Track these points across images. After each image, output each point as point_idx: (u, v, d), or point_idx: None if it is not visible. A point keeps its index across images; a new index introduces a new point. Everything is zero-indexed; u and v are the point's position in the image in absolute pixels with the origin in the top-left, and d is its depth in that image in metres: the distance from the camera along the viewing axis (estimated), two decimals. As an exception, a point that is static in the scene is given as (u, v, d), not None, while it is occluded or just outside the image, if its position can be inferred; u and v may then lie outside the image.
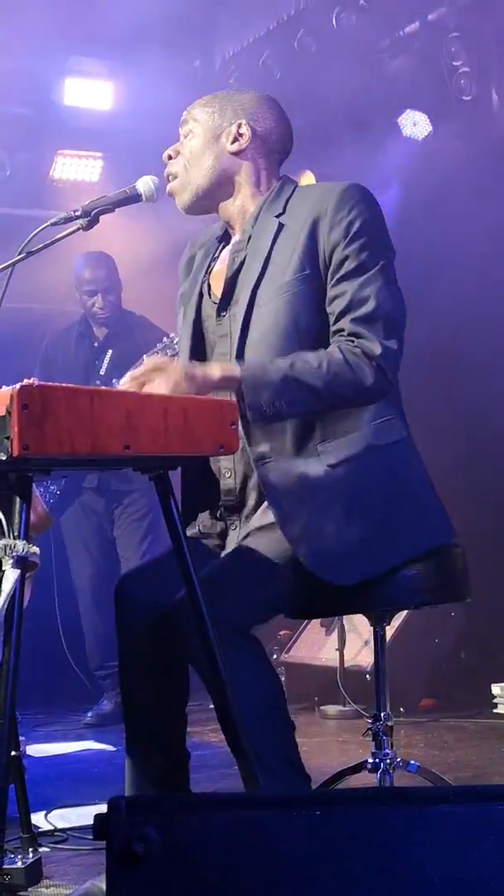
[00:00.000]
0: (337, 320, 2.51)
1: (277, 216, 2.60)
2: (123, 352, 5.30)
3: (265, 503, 2.52)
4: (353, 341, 2.47)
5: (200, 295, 2.70)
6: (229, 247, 2.68)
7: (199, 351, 2.68)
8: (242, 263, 2.61)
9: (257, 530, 2.51)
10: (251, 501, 2.58)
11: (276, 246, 2.57)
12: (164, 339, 4.94)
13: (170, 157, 2.70)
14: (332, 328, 2.52)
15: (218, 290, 2.66)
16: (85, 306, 5.44)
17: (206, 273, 2.72)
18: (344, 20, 5.60)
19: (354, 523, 2.45)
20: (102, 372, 5.32)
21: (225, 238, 2.75)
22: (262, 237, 2.59)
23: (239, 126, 2.65)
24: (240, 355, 2.53)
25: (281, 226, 2.58)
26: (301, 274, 2.52)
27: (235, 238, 2.67)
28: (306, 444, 2.49)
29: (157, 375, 2.33)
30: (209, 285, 2.70)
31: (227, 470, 2.61)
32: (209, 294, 2.69)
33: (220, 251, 2.74)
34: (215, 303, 2.66)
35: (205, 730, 4.63)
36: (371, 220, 2.53)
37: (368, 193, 2.57)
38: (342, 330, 2.49)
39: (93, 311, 5.41)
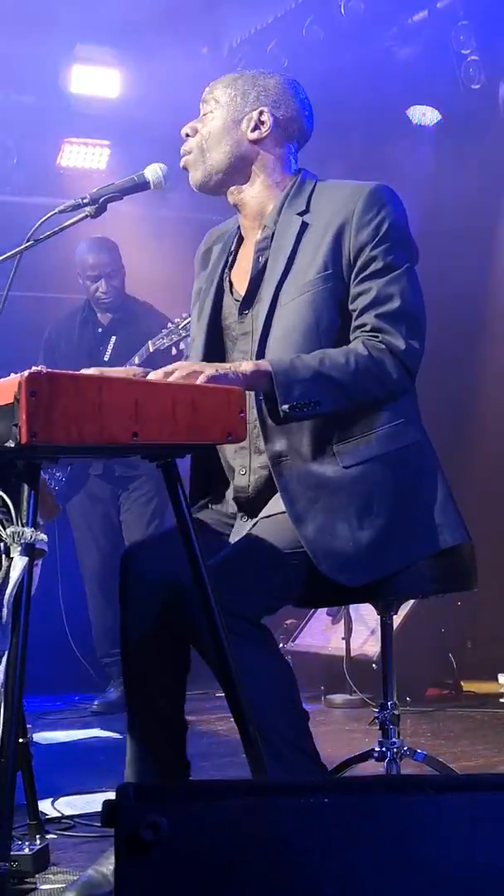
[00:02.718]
0: (360, 315, 2.50)
1: (301, 213, 2.58)
2: (127, 338, 5.29)
3: (275, 495, 2.51)
4: (377, 336, 2.46)
5: (220, 291, 2.68)
6: (252, 244, 2.65)
7: (217, 348, 2.65)
8: (267, 261, 2.60)
9: (265, 518, 2.51)
10: (263, 499, 2.57)
11: (300, 245, 2.55)
12: (170, 324, 4.93)
13: (187, 135, 2.68)
14: (355, 323, 2.51)
15: (240, 287, 2.65)
16: (88, 291, 5.42)
17: (224, 268, 2.71)
18: (352, 8, 5.58)
19: (366, 525, 2.45)
20: (106, 358, 5.31)
21: (239, 231, 2.73)
22: (286, 235, 2.58)
23: (261, 113, 2.62)
24: (261, 353, 2.52)
25: (305, 224, 2.56)
26: (324, 273, 2.51)
27: (258, 235, 2.64)
28: (323, 444, 2.48)
29: (186, 370, 2.29)
30: (230, 282, 2.69)
31: (242, 468, 2.60)
32: (231, 291, 2.68)
33: (237, 246, 2.72)
34: (237, 300, 2.64)
35: (211, 718, 4.65)
36: (398, 223, 2.53)
37: (395, 195, 2.56)
38: (365, 325, 2.48)
39: (96, 296, 5.39)
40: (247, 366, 2.37)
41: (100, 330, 5.44)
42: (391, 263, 2.49)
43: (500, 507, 5.47)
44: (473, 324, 5.75)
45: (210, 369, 2.29)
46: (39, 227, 2.57)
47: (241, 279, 2.66)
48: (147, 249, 5.85)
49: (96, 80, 6.24)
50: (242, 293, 2.63)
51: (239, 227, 2.73)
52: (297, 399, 2.36)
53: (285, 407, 2.36)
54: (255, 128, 2.63)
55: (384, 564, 2.48)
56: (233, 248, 2.72)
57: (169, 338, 4.88)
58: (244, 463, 2.60)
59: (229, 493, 2.66)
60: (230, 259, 2.71)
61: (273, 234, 2.60)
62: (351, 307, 2.51)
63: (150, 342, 4.97)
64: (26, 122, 6.20)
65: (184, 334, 4.71)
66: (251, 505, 2.59)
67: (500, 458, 5.62)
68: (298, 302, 2.51)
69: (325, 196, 2.59)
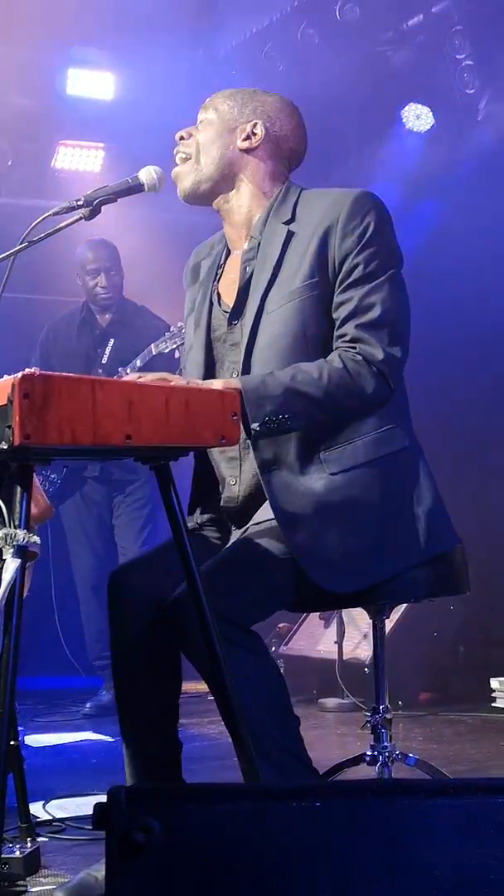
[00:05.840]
0: (341, 325, 2.50)
1: (286, 223, 2.59)
2: (125, 341, 5.30)
3: (264, 504, 2.51)
4: (354, 347, 2.47)
5: (210, 304, 2.69)
6: (239, 254, 2.66)
7: (210, 361, 2.66)
8: (254, 271, 2.60)
9: (257, 525, 2.51)
10: (251, 508, 2.57)
11: (286, 253, 2.56)
12: (172, 328, 4.93)
13: (181, 138, 2.68)
14: (336, 332, 2.51)
15: (228, 298, 2.65)
16: (87, 287, 5.40)
17: (214, 280, 2.71)
18: (347, 12, 5.59)
19: (355, 533, 2.45)
20: (104, 361, 5.31)
21: (226, 243, 2.73)
22: (272, 244, 2.58)
23: (254, 125, 2.64)
24: (247, 362, 2.52)
25: (291, 233, 2.57)
26: (310, 281, 2.51)
27: (245, 246, 2.65)
28: (311, 452, 2.48)
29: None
30: (219, 294, 2.69)
31: (232, 478, 2.61)
32: (219, 303, 2.68)
33: (225, 258, 2.73)
34: (226, 312, 2.65)
35: (203, 721, 4.65)
36: (382, 229, 2.53)
37: (379, 201, 2.57)
38: (345, 335, 2.49)
39: (95, 291, 5.37)
40: (216, 384, 2.37)
41: (98, 332, 5.44)
42: (374, 271, 2.49)
43: (491, 513, 5.47)
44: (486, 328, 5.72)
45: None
46: (34, 228, 2.56)
47: (228, 290, 2.66)
48: (142, 252, 5.85)
49: (91, 82, 6.24)
50: (230, 304, 2.64)
51: (226, 239, 2.74)
52: (268, 415, 2.37)
53: (255, 425, 2.36)
54: (247, 138, 2.64)
55: (373, 572, 2.48)
56: (222, 261, 2.72)
57: (172, 341, 4.88)
58: (234, 473, 2.61)
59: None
60: (219, 272, 2.71)
61: (259, 244, 2.61)
62: (333, 315, 2.52)
63: (152, 345, 4.98)
64: (22, 124, 6.20)
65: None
66: (239, 515, 2.59)
67: (492, 466, 5.62)
68: (285, 310, 2.52)
69: (310, 204, 2.60)
